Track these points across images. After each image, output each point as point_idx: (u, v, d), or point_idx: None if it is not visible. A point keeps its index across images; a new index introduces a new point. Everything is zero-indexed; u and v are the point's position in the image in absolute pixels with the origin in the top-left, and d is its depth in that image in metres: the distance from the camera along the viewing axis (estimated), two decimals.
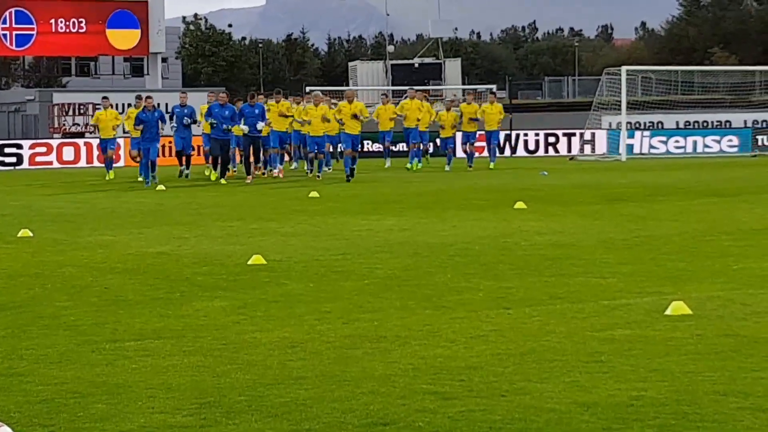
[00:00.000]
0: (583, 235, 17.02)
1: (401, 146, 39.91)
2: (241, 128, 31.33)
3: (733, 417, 6.86)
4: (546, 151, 47.92)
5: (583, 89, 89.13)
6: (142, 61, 60.30)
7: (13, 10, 54.00)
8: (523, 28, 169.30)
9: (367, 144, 43.08)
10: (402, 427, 6.77)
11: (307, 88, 45.16)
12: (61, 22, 55.13)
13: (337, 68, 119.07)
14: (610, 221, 19.05)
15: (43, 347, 9.20)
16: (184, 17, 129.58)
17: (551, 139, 48.21)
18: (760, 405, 7.11)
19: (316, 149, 32.33)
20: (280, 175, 33.08)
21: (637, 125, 50.79)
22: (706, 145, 47.13)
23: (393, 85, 68.67)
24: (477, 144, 38.67)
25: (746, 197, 24.01)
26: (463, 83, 79.44)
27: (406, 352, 8.83)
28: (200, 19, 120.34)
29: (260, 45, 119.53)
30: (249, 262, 14.04)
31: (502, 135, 46.53)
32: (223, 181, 31.23)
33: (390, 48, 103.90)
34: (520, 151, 47.71)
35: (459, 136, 39.21)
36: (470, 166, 37.83)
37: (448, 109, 38.76)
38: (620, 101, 44.81)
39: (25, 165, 41.65)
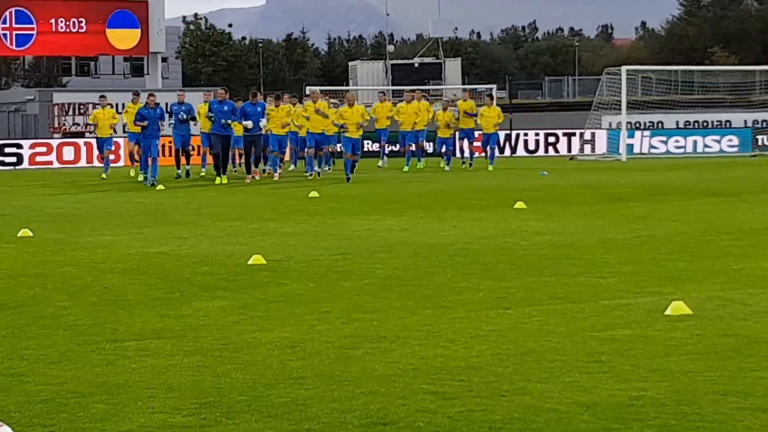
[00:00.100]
0: (583, 235, 17.02)
1: (397, 146, 39.84)
2: (243, 123, 31.22)
3: (733, 417, 6.86)
4: (546, 151, 47.93)
5: (583, 89, 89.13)
6: (142, 60, 60.33)
7: (13, 9, 54.02)
8: (523, 27, 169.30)
9: (367, 144, 43.07)
10: (402, 427, 6.77)
11: (307, 88, 45.11)
12: (61, 21, 55.14)
13: (337, 68, 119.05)
14: (610, 221, 19.05)
15: (43, 347, 9.20)
16: (184, 17, 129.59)
17: (551, 139, 48.21)
18: (759, 405, 7.11)
19: (314, 146, 32.35)
20: (276, 177, 33.00)
21: (637, 125, 50.80)
22: (706, 145, 47.13)
23: (393, 84, 68.64)
24: (475, 144, 38.63)
25: (746, 197, 24.01)
26: (463, 83, 79.36)
27: (406, 352, 8.84)
28: (200, 18, 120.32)
29: (260, 45, 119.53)
30: (249, 262, 14.04)
31: (501, 135, 46.55)
32: (223, 180, 31.10)
33: (390, 48, 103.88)
34: (520, 151, 47.71)
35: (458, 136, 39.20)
36: (470, 165, 37.85)
37: (444, 109, 38.70)
38: (620, 101, 44.81)
39: (25, 165, 41.65)
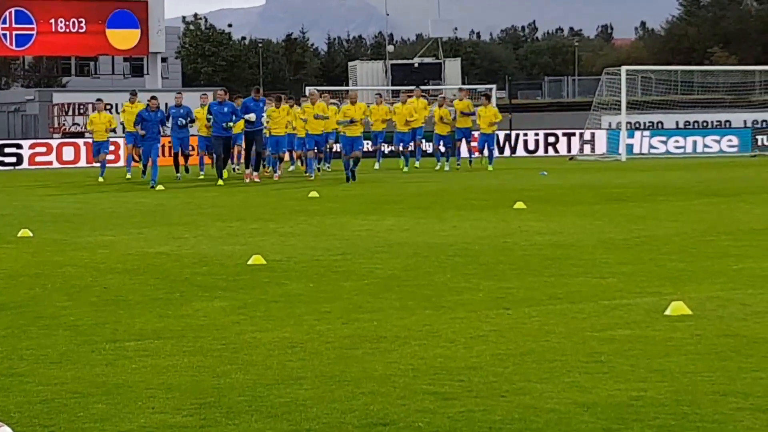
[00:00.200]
0: (582, 235, 17.02)
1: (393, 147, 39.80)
2: (246, 117, 31.17)
3: (733, 417, 6.86)
4: (546, 151, 47.93)
5: (583, 89, 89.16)
6: (141, 61, 60.33)
7: (13, 10, 54.01)
8: (523, 27, 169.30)
9: (367, 144, 43.03)
10: (402, 427, 6.77)
11: (307, 88, 45.12)
12: (61, 22, 55.13)
13: (336, 68, 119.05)
14: (609, 221, 19.05)
15: (43, 347, 9.20)
16: (183, 17, 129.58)
17: (551, 139, 48.21)
18: (759, 405, 7.11)
19: (315, 147, 32.34)
20: (276, 177, 33.00)
21: (637, 125, 50.81)
22: (705, 145, 47.15)
23: (393, 85, 68.68)
24: (472, 144, 38.58)
25: (746, 197, 24.01)
26: (463, 83, 79.39)
27: (405, 353, 8.84)
28: (200, 18, 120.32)
29: (260, 45, 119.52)
30: (249, 263, 14.04)
31: (501, 135, 46.55)
32: (219, 182, 31.05)
33: (390, 48, 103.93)
34: (520, 151, 47.71)
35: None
36: (470, 163, 37.87)
37: (440, 106, 38.66)
38: (620, 101, 44.81)
39: (25, 165, 41.65)
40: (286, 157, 35.60)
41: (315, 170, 32.52)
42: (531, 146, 48.08)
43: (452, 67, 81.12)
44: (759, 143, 47.74)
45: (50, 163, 42.06)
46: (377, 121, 37.93)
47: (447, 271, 13.31)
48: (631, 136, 46.26)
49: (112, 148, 38.29)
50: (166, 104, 38.01)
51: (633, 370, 8.12)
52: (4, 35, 54.05)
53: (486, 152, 37.89)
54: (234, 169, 34.71)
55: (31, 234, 17.84)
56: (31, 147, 42.66)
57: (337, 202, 24.26)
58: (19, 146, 42.91)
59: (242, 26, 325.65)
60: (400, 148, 37.51)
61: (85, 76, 64.76)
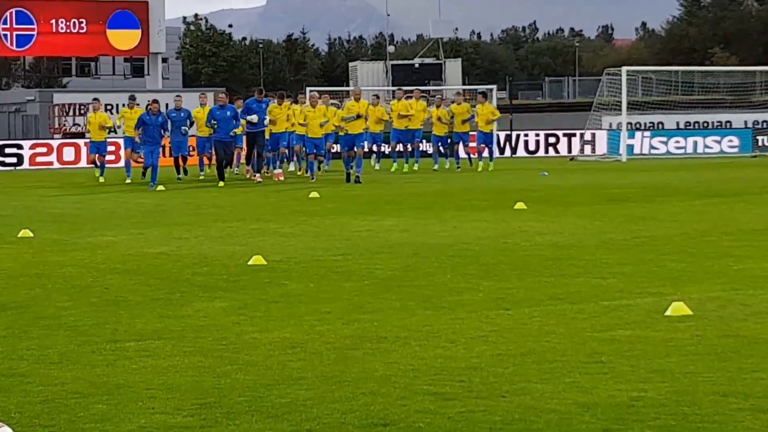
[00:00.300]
0: (583, 235, 17.02)
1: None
2: (248, 118, 31.14)
3: (733, 418, 6.86)
4: (546, 151, 47.92)
5: (584, 89, 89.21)
6: (142, 61, 60.25)
7: (13, 10, 53.99)
8: (524, 28, 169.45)
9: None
10: (402, 427, 6.77)
11: (307, 89, 45.10)
12: (62, 22, 55.11)
13: (337, 68, 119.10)
14: (610, 222, 19.05)
15: (43, 347, 9.20)
16: (184, 17, 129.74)
17: (551, 140, 48.20)
18: (760, 406, 7.11)
19: (315, 151, 32.31)
20: (281, 178, 32.98)
21: (638, 126, 50.80)
22: (706, 146, 47.14)
23: (393, 85, 68.62)
24: (470, 144, 38.53)
25: (746, 198, 24.02)
26: (464, 83, 79.42)
27: (406, 353, 8.84)
28: (201, 19, 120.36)
29: (260, 45, 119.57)
30: (249, 263, 14.04)
31: (501, 136, 46.55)
32: (221, 184, 31.00)
33: (390, 48, 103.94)
34: (521, 152, 47.70)
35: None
36: (470, 163, 37.84)
37: (437, 106, 38.63)
38: (621, 102, 44.81)
39: (26, 165, 41.65)
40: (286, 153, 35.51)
41: (316, 172, 32.50)
42: (531, 147, 48.07)
43: (453, 68, 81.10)
44: (760, 144, 47.74)
45: (51, 163, 42.06)
46: (372, 122, 37.87)
47: (447, 272, 13.31)
48: (631, 136, 46.26)
49: (112, 149, 38.25)
50: (167, 105, 37.96)
51: (633, 370, 8.12)
52: (5, 35, 54.05)
53: (486, 153, 37.87)
54: (234, 172, 34.67)
55: (31, 234, 17.85)
56: (32, 147, 42.67)
57: (337, 202, 24.26)
58: (19, 147, 42.92)
59: (243, 27, 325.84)
60: (399, 148, 37.50)
61: (86, 77, 64.68)
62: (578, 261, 14.07)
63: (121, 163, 39.63)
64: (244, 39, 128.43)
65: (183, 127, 32.82)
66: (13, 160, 41.80)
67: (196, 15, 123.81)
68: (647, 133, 48.24)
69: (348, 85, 75.61)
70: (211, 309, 10.99)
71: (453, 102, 39.11)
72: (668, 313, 10.28)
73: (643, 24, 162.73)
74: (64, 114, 52.81)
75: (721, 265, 13.52)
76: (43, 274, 13.50)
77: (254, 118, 31.01)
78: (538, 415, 6.97)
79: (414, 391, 7.58)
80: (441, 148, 37.86)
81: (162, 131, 31.35)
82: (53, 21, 54.97)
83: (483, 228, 18.18)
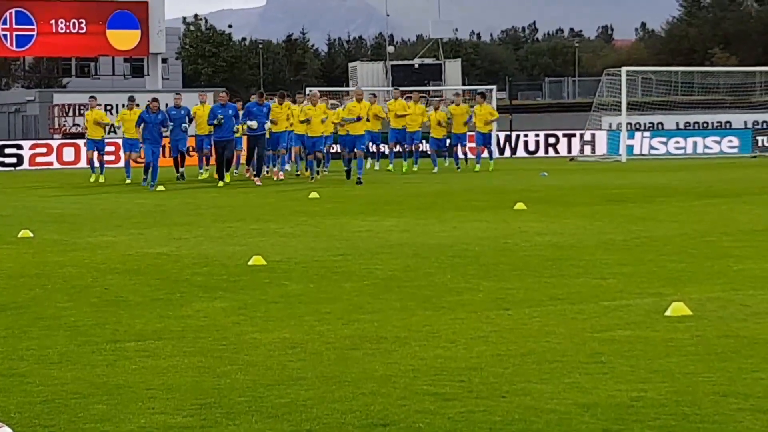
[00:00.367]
0: (583, 236, 17.02)
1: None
2: (248, 124, 31.14)
3: (733, 418, 6.87)
4: (546, 151, 47.93)
5: (583, 90, 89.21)
6: (142, 61, 60.27)
7: (13, 10, 53.99)
8: (523, 28, 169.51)
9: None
10: (402, 428, 6.77)
11: (307, 89, 45.09)
12: (62, 22, 55.11)
13: (337, 69, 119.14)
14: (610, 222, 19.05)
15: (43, 348, 9.21)
16: (184, 18, 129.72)
17: (551, 140, 48.22)
18: (760, 406, 7.11)
19: (314, 150, 32.31)
20: (281, 177, 32.99)
21: (637, 126, 50.80)
22: (706, 146, 47.15)
23: (393, 85, 68.62)
24: (469, 145, 38.53)
25: (746, 198, 24.02)
26: (463, 84, 79.44)
27: (406, 353, 8.84)
28: (200, 19, 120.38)
29: (260, 45, 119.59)
30: (249, 263, 14.05)
31: (501, 136, 46.55)
32: (220, 184, 30.98)
33: (390, 49, 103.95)
34: (520, 152, 47.71)
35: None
36: (466, 162, 37.85)
37: (436, 108, 38.60)
38: (620, 102, 44.82)
39: (26, 166, 41.65)
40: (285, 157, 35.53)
41: (316, 172, 32.50)
42: (531, 147, 48.08)
43: (452, 68, 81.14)
44: (759, 144, 47.75)
45: (50, 163, 42.06)
46: (372, 117, 37.84)
47: (447, 272, 13.31)
48: (631, 137, 46.27)
49: (111, 149, 38.22)
50: (167, 105, 37.96)
51: (633, 370, 8.12)
52: (5, 36, 54.04)
53: (485, 154, 37.85)
54: (233, 173, 34.66)
55: (31, 234, 17.85)
56: (32, 148, 42.67)
57: (337, 202, 24.26)
58: (19, 147, 42.91)
59: (242, 27, 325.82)
60: (396, 148, 37.51)
61: (86, 77, 64.74)
62: (578, 261, 14.07)
63: (121, 164, 39.63)
64: (244, 39, 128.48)
65: (183, 125, 32.85)
66: (13, 160, 41.80)
67: (195, 15, 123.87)
68: (647, 134, 48.25)
69: (348, 86, 75.63)
70: (211, 309, 10.99)
71: (452, 103, 39.11)
72: (668, 313, 10.28)
73: (643, 24, 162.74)
74: (64, 114, 52.82)
75: (721, 266, 13.52)
76: (43, 275, 13.50)
77: (254, 124, 31.02)
78: (538, 415, 6.97)
79: (414, 392, 7.58)
80: (437, 148, 37.90)
81: (162, 128, 31.37)
82: (53, 21, 54.96)
83: (483, 228, 18.18)
